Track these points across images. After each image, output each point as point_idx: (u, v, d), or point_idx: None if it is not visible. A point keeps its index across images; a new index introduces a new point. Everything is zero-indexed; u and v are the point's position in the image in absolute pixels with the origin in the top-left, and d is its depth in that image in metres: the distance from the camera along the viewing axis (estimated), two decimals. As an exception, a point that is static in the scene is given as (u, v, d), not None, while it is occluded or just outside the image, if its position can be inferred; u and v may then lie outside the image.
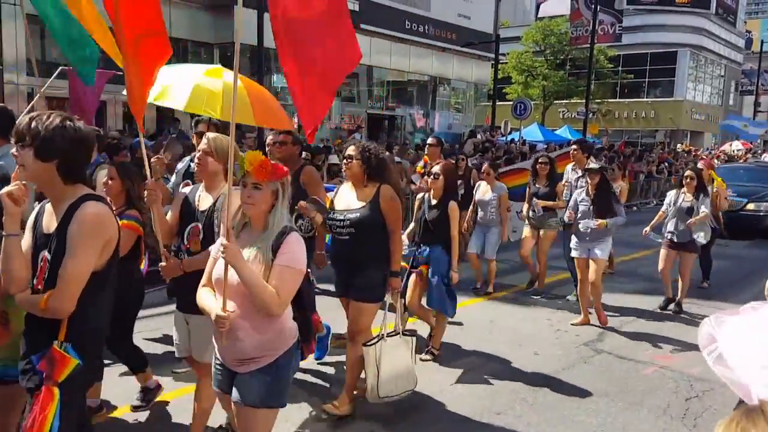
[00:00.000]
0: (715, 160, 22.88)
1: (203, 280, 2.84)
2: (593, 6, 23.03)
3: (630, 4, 36.44)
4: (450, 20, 23.92)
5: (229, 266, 2.55)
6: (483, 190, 7.76)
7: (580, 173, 7.30)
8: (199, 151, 3.41)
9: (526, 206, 7.72)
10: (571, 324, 6.47)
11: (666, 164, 21.91)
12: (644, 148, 25.66)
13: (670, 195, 7.32)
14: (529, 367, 5.31)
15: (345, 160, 4.16)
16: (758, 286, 2.19)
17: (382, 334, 4.13)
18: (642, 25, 37.09)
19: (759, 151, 33.17)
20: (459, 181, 9.79)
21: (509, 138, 21.39)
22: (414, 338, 4.39)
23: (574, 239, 6.49)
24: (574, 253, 6.50)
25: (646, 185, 19.81)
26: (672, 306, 7.18)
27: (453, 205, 5.17)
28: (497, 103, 24.09)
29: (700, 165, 8.45)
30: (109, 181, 3.90)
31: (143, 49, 3.04)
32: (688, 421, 4.39)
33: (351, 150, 4.14)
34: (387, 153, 4.55)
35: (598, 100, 33.42)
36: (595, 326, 6.44)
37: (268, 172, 2.59)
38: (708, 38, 40.55)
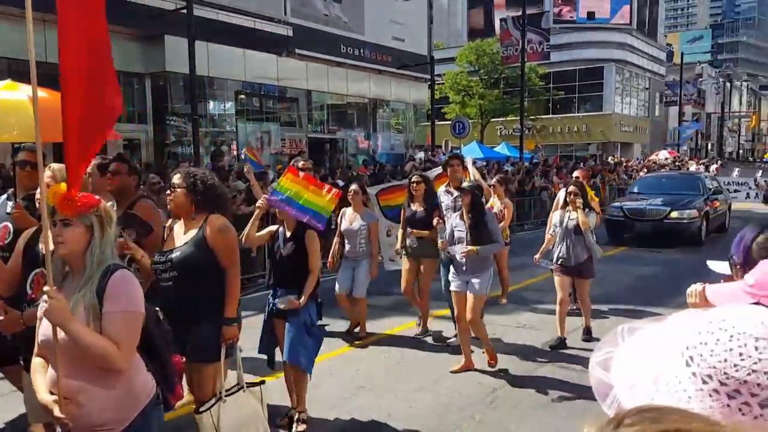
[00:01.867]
0: (644, 170, 23.89)
1: (37, 348, 2.40)
2: (521, 26, 23.81)
3: (556, 23, 37.94)
4: (385, 43, 24.24)
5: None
6: (349, 218, 6.64)
7: (455, 194, 6.29)
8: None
9: (400, 233, 6.64)
10: (451, 371, 5.62)
11: (599, 177, 22.65)
12: (577, 161, 26.55)
13: (556, 216, 6.55)
14: (471, 386, 5.34)
15: (168, 190, 3.66)
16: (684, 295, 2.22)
17: (219, 395, 3.52)
18: (569, 42, 38.69)
19: (685, 159, 34.93)
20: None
21: (449, 156, 21.65)
22: (262, 385, 3.83)
23: (452, 271, 5.71)
24: (452, 286, 5.67)
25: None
26: (582, 336, 6.57)
27: (311, 235, 4.47)
28: (437, 123, 24.49)
29: (577, 173, 7.81)
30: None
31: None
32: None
33: (175, 178, 3.61)
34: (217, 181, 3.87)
35: (533, 117, 34.48)
36: (486, 372, 5.63)
37: (76, 205, 2.27)
38: (631, 53, 42.56)
